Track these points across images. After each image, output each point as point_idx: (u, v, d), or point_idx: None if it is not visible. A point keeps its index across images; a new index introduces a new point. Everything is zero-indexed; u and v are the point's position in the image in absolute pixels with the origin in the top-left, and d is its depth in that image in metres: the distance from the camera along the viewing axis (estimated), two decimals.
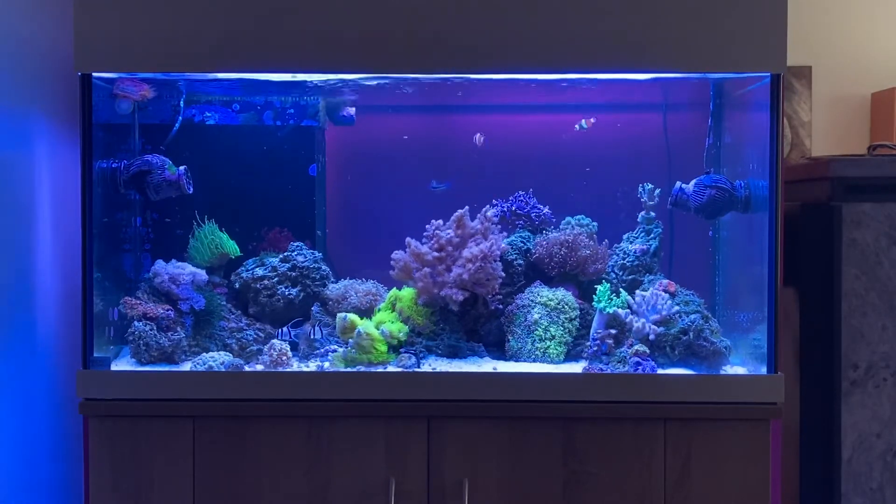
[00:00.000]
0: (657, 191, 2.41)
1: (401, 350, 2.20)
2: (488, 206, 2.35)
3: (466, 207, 2.28)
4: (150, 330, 2.18)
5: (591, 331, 2.22)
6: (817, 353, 2.37)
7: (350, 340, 2.16)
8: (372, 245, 2.52)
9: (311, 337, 2.24)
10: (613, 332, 2.19)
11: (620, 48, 2.04)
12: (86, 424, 2.10)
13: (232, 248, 2.38)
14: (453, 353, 2.23)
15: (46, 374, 2.41)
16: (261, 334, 2.30)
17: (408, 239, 2.25)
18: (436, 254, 2.24)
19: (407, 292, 2.29)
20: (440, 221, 2.28)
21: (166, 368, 2.15)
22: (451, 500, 2.06)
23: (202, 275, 2.30)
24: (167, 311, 2.22)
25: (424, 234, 2.28)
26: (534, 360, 2.22)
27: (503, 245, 2.27)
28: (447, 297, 2.20)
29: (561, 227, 2.44)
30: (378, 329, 2.18)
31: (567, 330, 2.25)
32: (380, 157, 2.62)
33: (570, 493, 2.07)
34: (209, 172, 2.42)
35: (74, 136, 2.10)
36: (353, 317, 2.19)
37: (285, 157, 2.48)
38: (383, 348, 2.16)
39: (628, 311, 2.20)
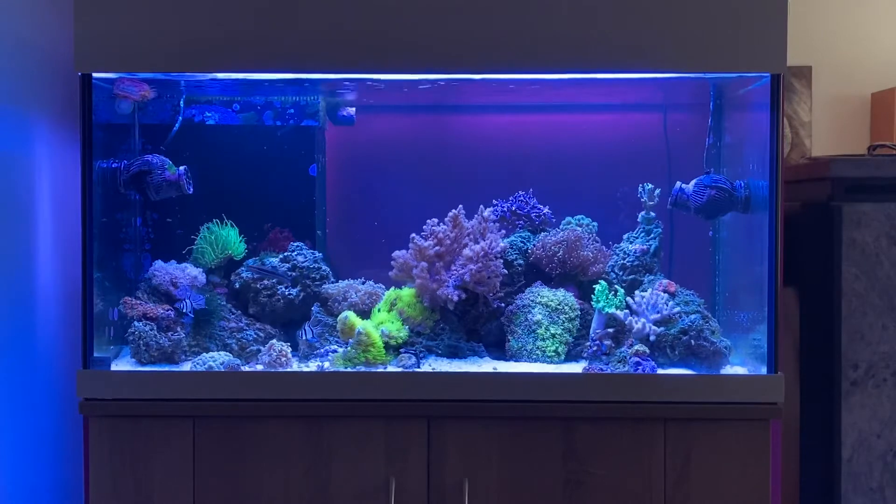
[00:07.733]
0: (657, 191, 2.40)
1: (401, 350, 2.20)
2: (482, 206, 2.34)
3: (461, 206, 2.28)
4: (150, 330, 2.18)
5: (591, 331, 2.22)
6: (817, 353, 2.37)
7: (350, 340, 2.16)
8: (372, 245, 2.51)
9: (303, 338, 2.24)
10: (612, 331, 2.19)
11: (620, 48, 2.04)
12: (86, 424, 2.10)
13: (237, 249, 2.38)
14: (453, 353, 2.23)
15: (46, 374, 2.41)
16: (261, 334, 2.30)
17: (412, 234, 2.25)
18: (438, 248, 2.23)
19: (407, 292, 2.29)
20: (436, 220, 2.28)
21: (166, 368, 2.15)
22: (451, 500, 2.06)
23: (201, 276, 2.30)
24: (167, 311, 2.22)
25: (422, 233, 2.28)
26: (534, 360, 2.22)
27: (503, 244, 2.27)
28: (444, 297, 2.20)
29: (561, 227, 2.44)
30: (378, 329, 2.18)
31: (567, 330, 2.25)
32: (380, 157, 2.62)
33: (570, 493, 2.06)
34: (209, 172, 2.41)
35: (74, 136, 2.10)
36: (352, 317, 2.19)
37: (285, 157, 2.48)
38: (380, 345, 2.16)
39: (627, 311, 2.20)
